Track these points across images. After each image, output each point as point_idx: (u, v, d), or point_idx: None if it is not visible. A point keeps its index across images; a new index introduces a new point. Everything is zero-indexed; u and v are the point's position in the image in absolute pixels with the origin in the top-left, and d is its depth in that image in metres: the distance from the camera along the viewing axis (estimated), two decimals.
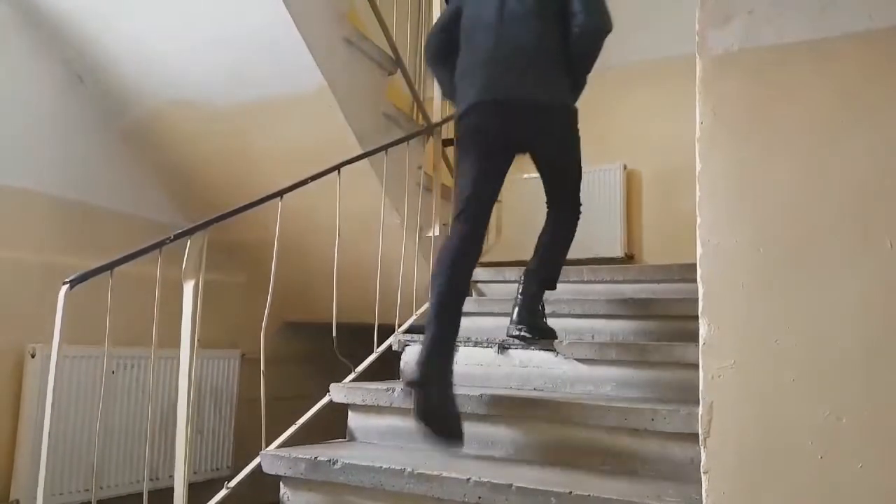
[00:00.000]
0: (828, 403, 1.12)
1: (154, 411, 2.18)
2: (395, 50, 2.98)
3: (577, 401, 1.88)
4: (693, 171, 1.26)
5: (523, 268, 2.32)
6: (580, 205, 2.36)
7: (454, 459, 1.87)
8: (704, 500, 1.18)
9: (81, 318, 1.84)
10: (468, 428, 1.97)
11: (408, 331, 2.56)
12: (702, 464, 1.19)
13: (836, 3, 1.20)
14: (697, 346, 1.23)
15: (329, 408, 2.17)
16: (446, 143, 3.19)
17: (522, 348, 2.22)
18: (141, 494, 1.86)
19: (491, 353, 2.27)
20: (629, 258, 4.04)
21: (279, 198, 2.14)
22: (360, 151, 2.60)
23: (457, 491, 1.64)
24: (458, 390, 2.03)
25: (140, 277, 1.95)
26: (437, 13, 3.27)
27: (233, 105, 2.80)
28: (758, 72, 1.25)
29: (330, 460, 1.81)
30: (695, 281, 1.25)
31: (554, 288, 2.34)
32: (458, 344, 2.04)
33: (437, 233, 2.94)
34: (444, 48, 2.34)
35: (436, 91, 3.23)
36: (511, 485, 1.59)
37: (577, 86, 2.27)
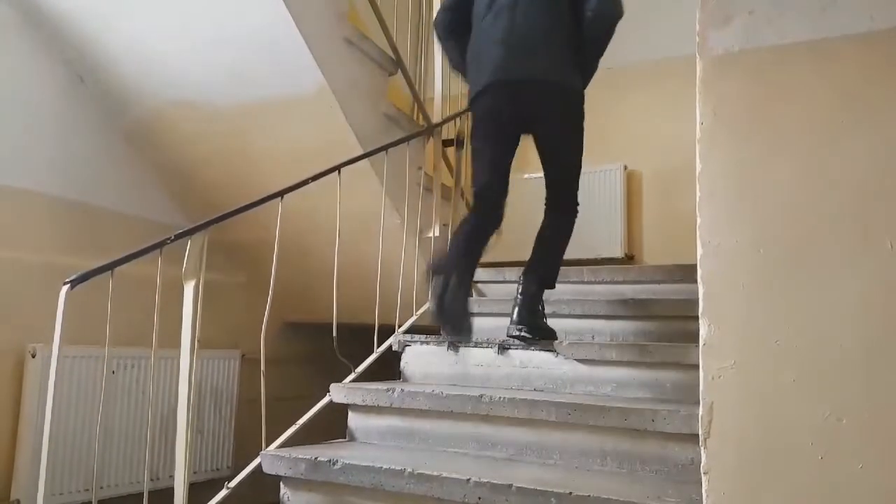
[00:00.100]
0: (828, 404, 1.12)
1: (154, 411, 2.18)
2: (395, 50, 2.98)
3: (577, 401, 1.88)
4: (693, 171, 1.26)
5: (523, 268, 2.33)
6: (578, 204, 2.38)
7: (454, 459, 1.88)
8: (705, 501, 1.18)
9: (82, 319, 1.84)
10: (468, 429, 1.97)
11: (408, 331, 2.56)
12: (702, 464, 1.19)
13: (837, 3, 1.20)
14: (698, 346, 1.23)
15: (329, 408, 2.17)
16: (446, 143, 3.19)
17: (523, 349, 2.22)
18: (141, 494, 1.86)
19: (491, 353, 2.27)
20: (629, 259, 4.04)
21: (279, 198, 2.14)
22: (360, 152, 2.60)
23: (457, 491, 1.64)
24: (458, 391, 2.04)
25: (140, 277, 1.95)
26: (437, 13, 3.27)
27: (233, 105, 2.80)
28: (758, 72, 1.25)
29: (330, 460, 1.81)
30: (695, 281, 1.25)
31: (553, 287, 2.35)
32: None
33: (437, 233, 2.94)
34: (453, 25, 2.44)
35: (436, 91, 3.24)
36: (511, 485, 1.59)
37: (588, 71, 2.34)
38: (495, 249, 3.09)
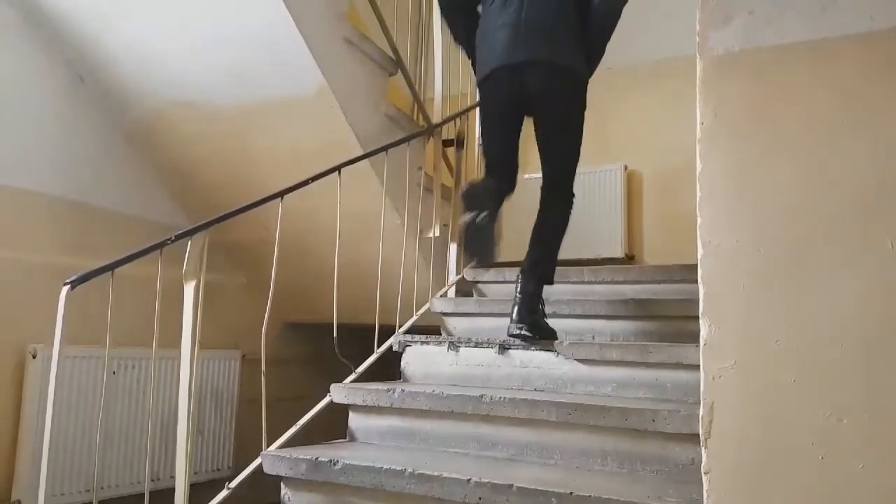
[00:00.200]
0: (828, 404, 1.12)
1: (155, 412, 2.18)
2: (395, 50, 2.98)
3: (577, 401, 1.88)
4: (693, 171, 1.26)
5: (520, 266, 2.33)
6: (573, 196, 2.39)
7: (455, 460, 1.88)
8: (705, 501, 1.18)
9: (82, 319, 1.84)
10: (469, 429, 1.97)
11: (408, 331, 2.56)
12: (703, 464, 1.19)
13: (837, 3, 1.20)
14: (698, 346, 1.22)
15: (330, 408, 2.17)
16: (446, 143, 3.19)
17: (523, 348, 2.22)
18: (142, 495, 1.86)
19: (491, 353, 2.27)
20: (630, 259, 4.04)
21: (280, 198, 2.14)
22: (360, 152, 2.60)
23: (457, 491, 1.64)
24: (459, 391, 2.04)
25: (141, 278, 1.95)
26: (437, 13, 3.27)
27: (233, 105, 2.80)
28: (758, 72, 1.25)
29: (331, 461, 1.81)
30: (695, 281, 1.25)
31: (551, 283, 2.35)
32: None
33: (437, 233, 2.94)
34: (458, 2, 2.52)
35: (436, 92, 3.24)
36: (512, 485, 1.59)
37: (594, 56, 2.39)
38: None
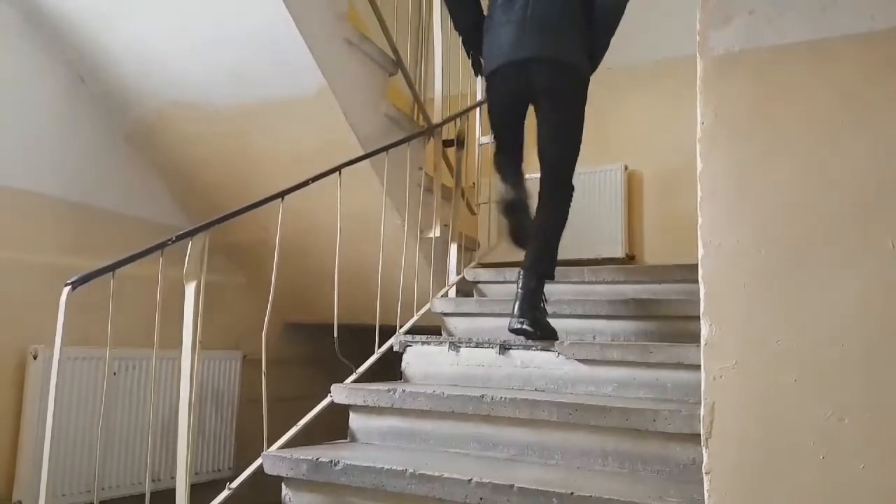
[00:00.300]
0: (829, 404, 1.12)
1: (156, 412, 2.18)
2: (395, 51, 2.98)
3: (578, 401, 1.88)
4: (694, 171, 1.26)
5: (521, 264, 2.33)
6: (573, 189, 2.41)
7: (456, 460, 1.88)
8: (706, 501, 1.18)
9: (83, 320, 1.84)
10: (469, 429, 1.98)
11: (409, 332, 2.56)
12: (704, 464, 1.19)
13: (837, 3, 1.20)
14: (699, 346, 1.23)
15: (330, 409, 2.17)
16: (447, 143, 3.19)
17: (524, 347, 2.22)
18: (143, 495, 1.86)
19: (492, 353, 2.27)
20: (630, 259, 4.04)
21: (280, 199, 2.14)
22: (360, 152, 2.60)
23: (458, 492, 1.64)
24: (459, 391, 2.04)
25: (142, 279, 1.95)
26: (437, 14, 3.27)
27: (233, 105, 2.80)
28: (758, 72, 1.25)
29: (331, 461, 1.81)
30: (696, 281, 1.25)
31: (552, 278, 2.36)
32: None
33: (437, 234, 2.94)
34: None
35: (436, 92, 3.24)
36: (512, 485, 1.59)
37: (598, 52, 2.45)
38: (495, 250, 3.10)
